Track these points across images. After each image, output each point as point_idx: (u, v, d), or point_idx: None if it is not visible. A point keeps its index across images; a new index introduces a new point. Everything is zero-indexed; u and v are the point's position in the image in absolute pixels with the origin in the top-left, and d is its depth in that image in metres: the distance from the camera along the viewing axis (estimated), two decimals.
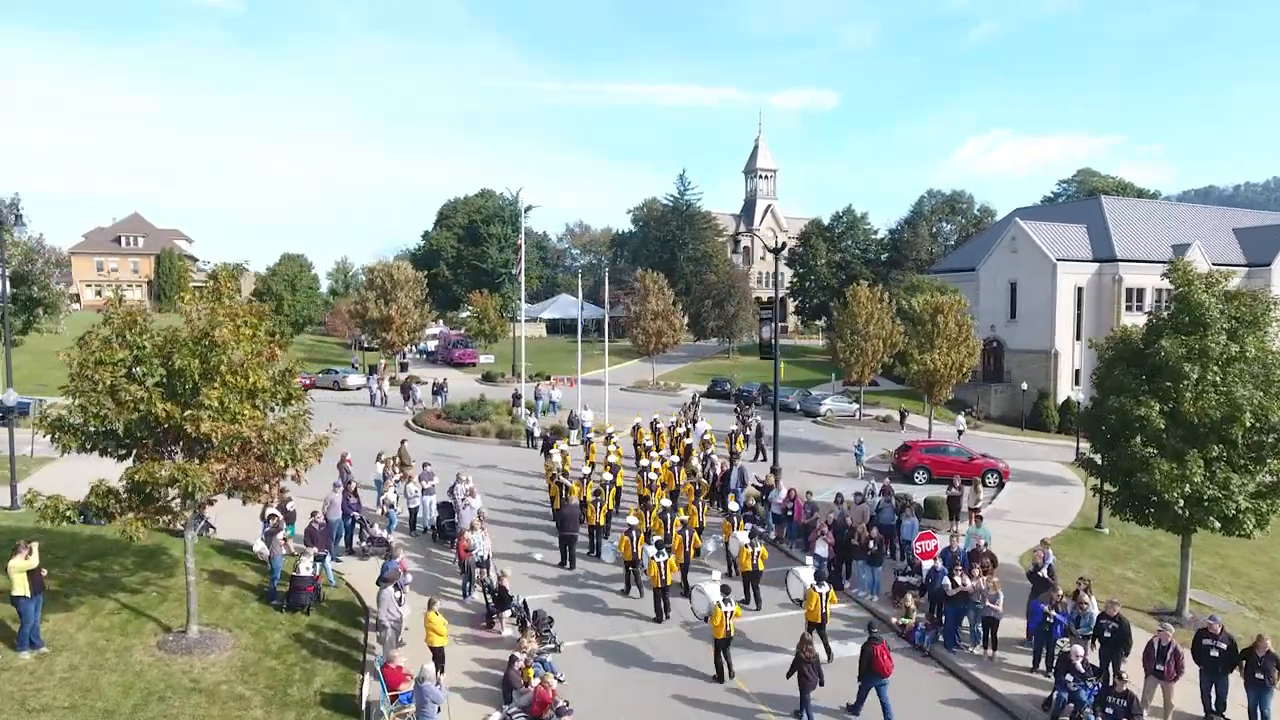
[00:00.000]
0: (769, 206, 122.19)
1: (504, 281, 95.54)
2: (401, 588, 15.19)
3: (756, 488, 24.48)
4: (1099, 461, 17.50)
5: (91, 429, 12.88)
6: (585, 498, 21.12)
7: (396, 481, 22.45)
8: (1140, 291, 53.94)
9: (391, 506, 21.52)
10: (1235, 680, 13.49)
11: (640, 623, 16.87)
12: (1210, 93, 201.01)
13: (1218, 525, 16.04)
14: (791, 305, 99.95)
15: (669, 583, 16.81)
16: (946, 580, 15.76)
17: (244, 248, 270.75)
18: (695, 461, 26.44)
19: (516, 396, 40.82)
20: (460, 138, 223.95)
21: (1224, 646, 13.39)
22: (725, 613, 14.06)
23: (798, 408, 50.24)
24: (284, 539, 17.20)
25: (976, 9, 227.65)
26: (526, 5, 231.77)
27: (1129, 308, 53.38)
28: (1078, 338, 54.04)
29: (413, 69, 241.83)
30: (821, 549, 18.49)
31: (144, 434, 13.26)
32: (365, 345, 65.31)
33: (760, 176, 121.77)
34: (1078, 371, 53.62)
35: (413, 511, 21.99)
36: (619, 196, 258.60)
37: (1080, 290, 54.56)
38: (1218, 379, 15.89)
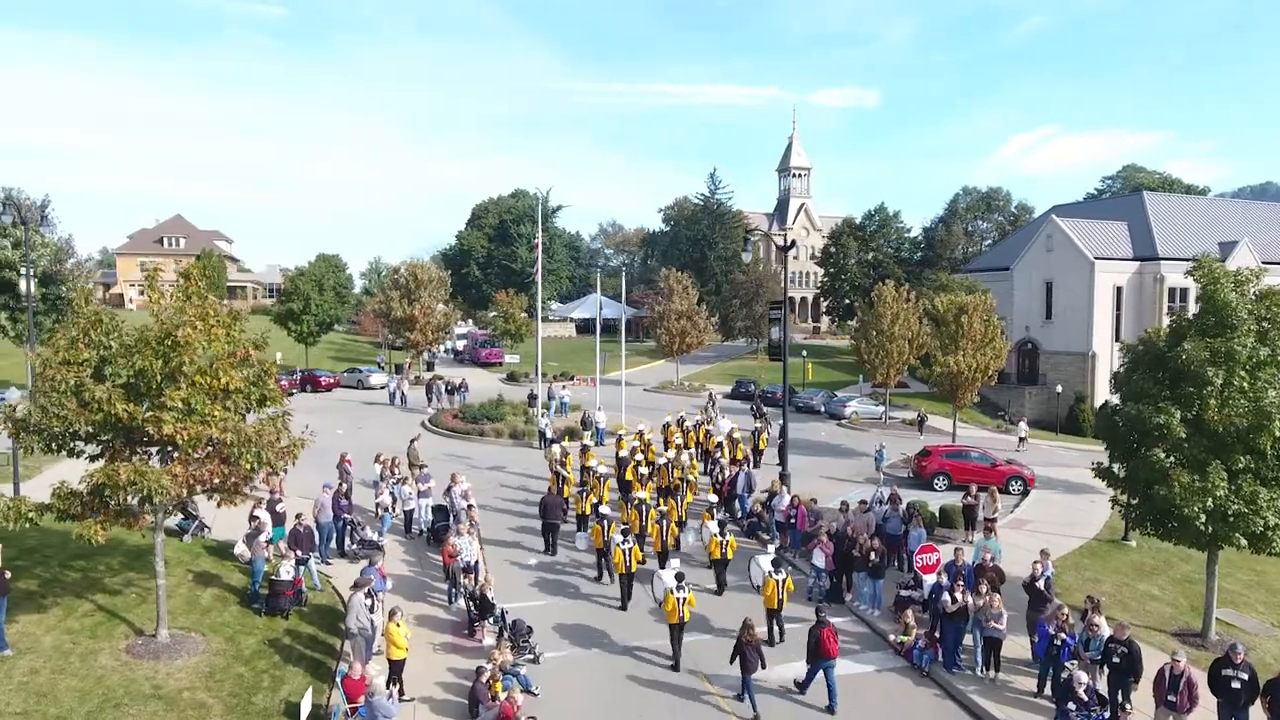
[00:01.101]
0: (802, 205, 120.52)
1: (532, 281, 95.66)
2: (376, 594, 14.78)
3: (763, 494, 23.70)
4: (1117, 472, 16.40)
5: (56, 429, 12.69)
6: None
7: (394, 483, 22.14)
8: (1184, 292, 51.64)
9: (386, 510, 21.25)
10: (1257, 713, 12.42)
11: (606, 608, 17.46)
12: (1268, 86, 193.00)
13: (1244, 543, 14.89)
14: (823, 305, 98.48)
15: (634, 570, 17.32)
16: (946, 596, 14.86)
17: (285, 248, 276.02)
18: (685, 456, 26.15)
19: (532, 397, 40.50)
20: (499, 138, 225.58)
21: (1245, 677, 12.32)
22: (678, 599, 14.48)
23: (822, 410, 49.19)
24: (266, 541, 16.92)
25: (1023, 3, 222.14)
26: (566, 8, 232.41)
27: (1171, 308, 51.24)
28: (1116, 339, 51.99)
29: (453, 71, 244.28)
30: (819, 559, 17.70)
31: (109, 435, 13.05)
32: (394, 345, 65.70)
33: (794, 175, 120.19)
34: (1116, 374, 51.64)
35: (408, 514, 21.66)
36: (654, 196, 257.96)
37: (1120, 290, 52.56)
38: (1245, 384, 14.74)
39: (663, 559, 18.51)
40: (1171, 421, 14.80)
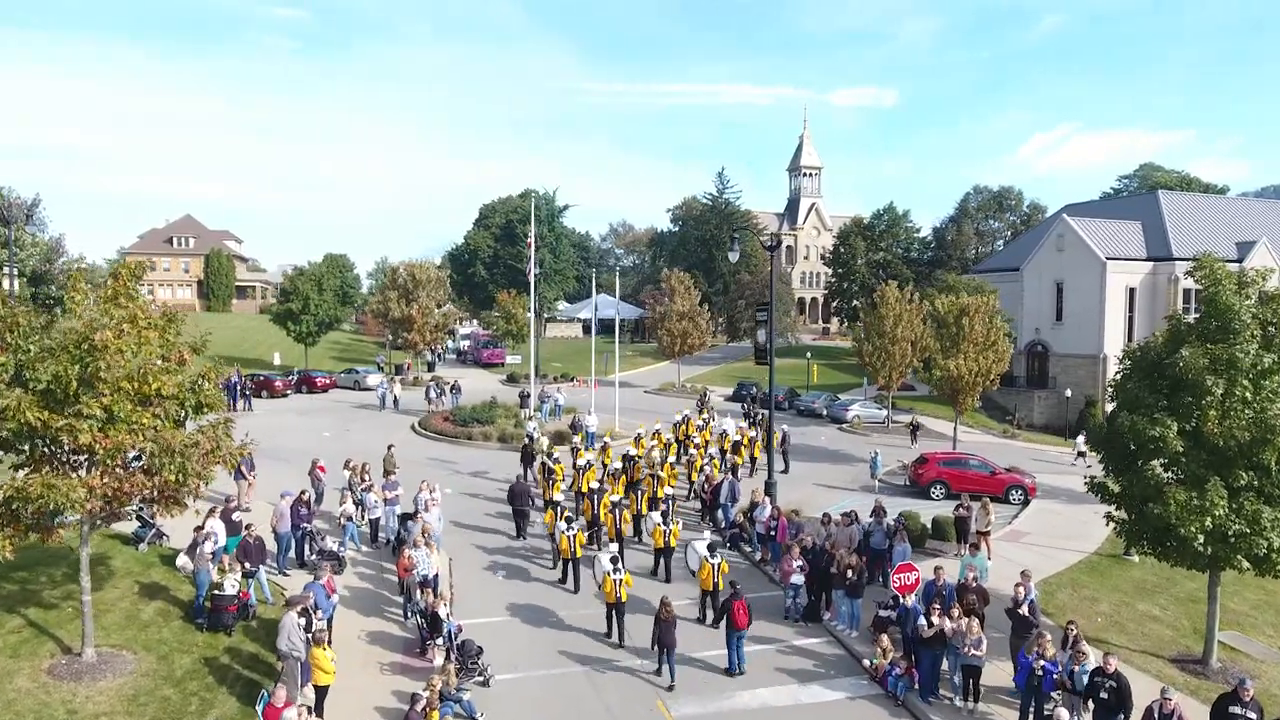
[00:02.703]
0: (813, 205, 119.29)
1: (538, 281, 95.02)
2: (316, 611, 13.96)
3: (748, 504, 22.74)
4: (1112, 486, 15.32)
5: None
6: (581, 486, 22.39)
7: (361, 491, 21.36)
8: (1199, 293, 50.19)
9: (350, 519, 20.46)
10: None
11: (553, 589, 18.47)
12: None
13: (1246, 565, 13.80)
14: (833, 306, 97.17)
15: (578, 554, 18.33)
16: (922, 620, 13.87)
17: (302, 249, 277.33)
18: (657, 454, 26.35)
19: (524, 398, 39.70)
20: (514, 139, 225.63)
21: (1253, 717, 11.27)
22: (615, 580, 15.39)
23: (824, 413, 48.06)
24: (212, 553, 16.17)
25: (1043, 1, 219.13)
26: (584, 8, 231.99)
27: (1186, 310, 49.71)
28: (1129, 341, 50.57)
29: (470, 72, 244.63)
30: (797, 578, 16.74)
31: (27, 445, 12.34)
32: (395, 345, 65.15)
33: (804, 174, 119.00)
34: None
35: (373, 523, 20.88)
36: (669, 196, 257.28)
37: (1132, 291, 51.11)
38: (1247, 395, 13.66)
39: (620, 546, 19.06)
40: (1168, 434, 13.74)
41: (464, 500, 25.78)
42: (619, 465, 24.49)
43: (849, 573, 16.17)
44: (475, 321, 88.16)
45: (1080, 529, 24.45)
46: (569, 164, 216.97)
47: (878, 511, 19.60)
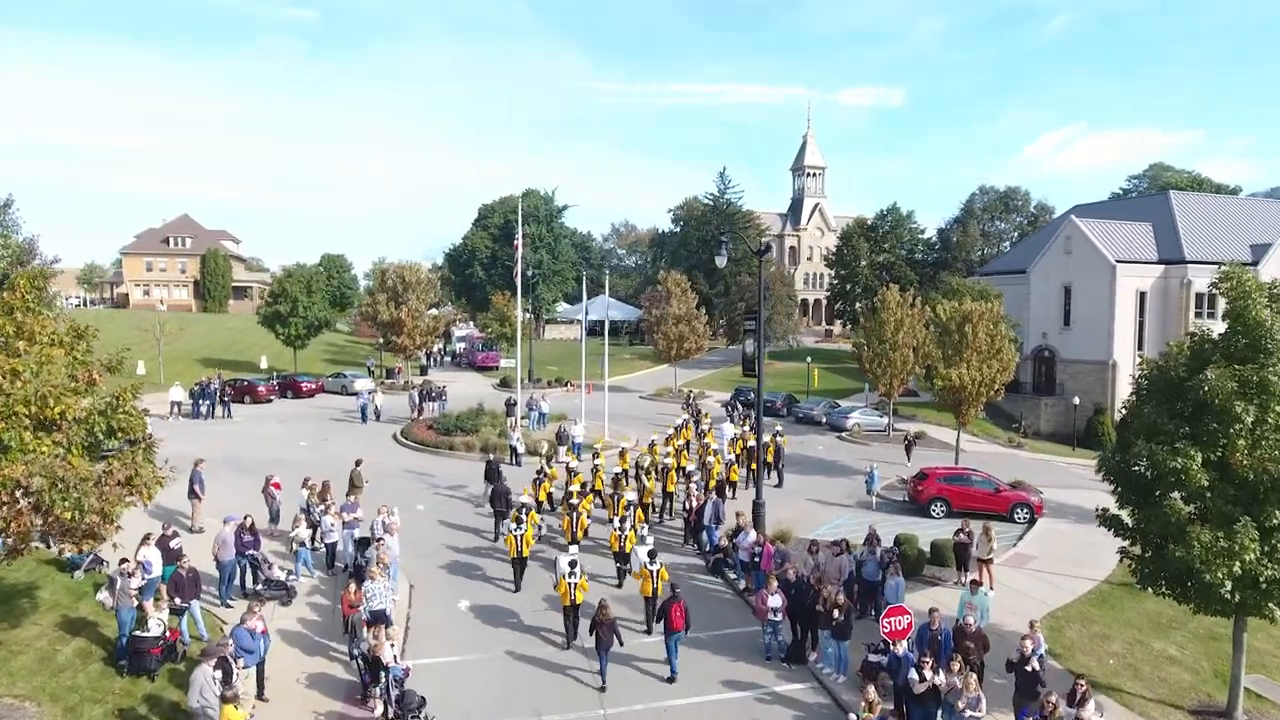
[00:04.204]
0: (817, 205, 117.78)
1: (537, 283, 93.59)
2: (238, 661, 12.56)
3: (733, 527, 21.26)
4: (1126, 520, 13.83)
5: None
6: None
7: (319, 512, 19.97)
8: (1212, 298, 48.49)
9: (304, 544, 19.05)
10: None
11: (527, 635, 17.13)
12: None
13: (1279, 614, 12.30)
14: (836, 308, 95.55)
15: (525, 555, 18.65)
16: (913, 673, 12.41)
17: (303, 248, 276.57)
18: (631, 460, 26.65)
19: (510, 404, 38.26)
20: (516, 138, 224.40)
21: None
22: (570, 584, 15.55)
23: (823, 420, 46.60)
24: (138, 588, 14.77)
25: (1051, 0, 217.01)
26: (594, 8, 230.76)
27: (1198, 314, 48.13)
28: (1139, 347, 49.02)
29: (478, 73, 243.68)
30: (774, 612, 15.27)
31: None
32: (386, 348, 63.79)
33: (808, 174, 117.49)
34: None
35: (330, 548, 19.48)
36: (672, 196, 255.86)
37: (1143, 295, 49.48)
38: None
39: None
40: (1191, 466, 12.23)
41: (436, 518, 24.40)
42: (611, 490, 23.36)
43: (835, 612, 14.69)
44: (472, 323, 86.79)
45: (1090, 552, 22.92)
46: (574, 164, 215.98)
47: (871, 540, 18.11)
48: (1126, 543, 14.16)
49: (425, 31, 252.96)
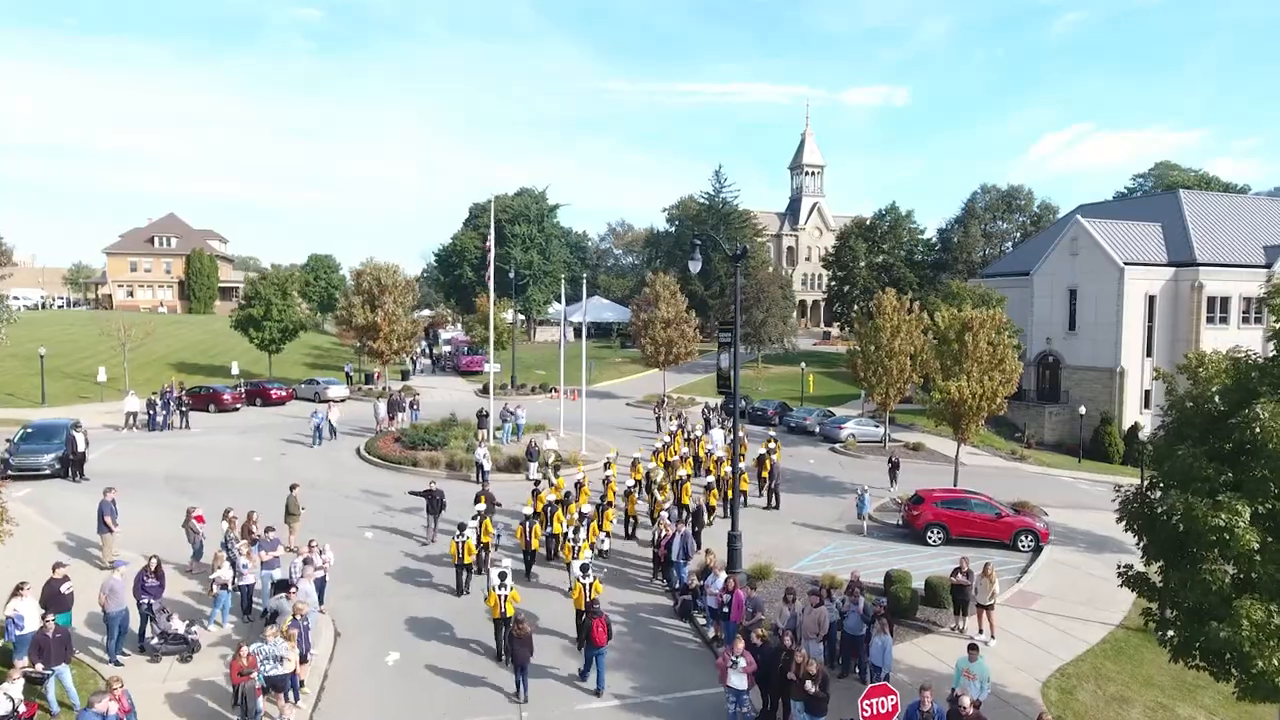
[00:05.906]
0: (815, 204, 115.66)
1: (527, 284, 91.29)
2: None
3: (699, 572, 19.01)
4: (1154, 579, 11.61)
5: None
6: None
7: (236, 549, 17.72)
8: (1224, 301, 46.29)
9: (224, 587, 16.86)
10: None
11: (449, 596, 18.56)
12: None
13: None
14: (834, 309, 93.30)
15: (467, 561, 18.70)
16: None
17: (303, 248, 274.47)
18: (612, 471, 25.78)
19: (482, 415, 36.05)
20: (516, 138, 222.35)
21: None
22: (500, 595, 15.25)
23: (816, 430, 44.41)
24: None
25: (1057, 0, 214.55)
26: (600, 8, 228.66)
27: (1210, 319, 45.88)
28: (1148, 354, 46.75)
29: (483, 72, 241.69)
30: (738, 680, 13.04)
31: None
32: (365, 353, 61.61)
33: (806, 173, 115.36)
34: (1147, 393, 46.37)
35: (246, 590, 17.24)
36: (674, 196, 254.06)
37: (1152, 299, 47.19)
38: None
39: (528, 559, 20.16)
40: (1237, 524, 10.00)
41: (383, 548, 22.14)
42: (590, 509, 21.72)
43: (809, 684, 12.47)
44: (458, 325, 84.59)
45: (1102, 589, 20.69)
46: (576, 164, 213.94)
47: (853, 588, 15.87)
48: (1154, 606, 11.91)
49: (429, 30, 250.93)
